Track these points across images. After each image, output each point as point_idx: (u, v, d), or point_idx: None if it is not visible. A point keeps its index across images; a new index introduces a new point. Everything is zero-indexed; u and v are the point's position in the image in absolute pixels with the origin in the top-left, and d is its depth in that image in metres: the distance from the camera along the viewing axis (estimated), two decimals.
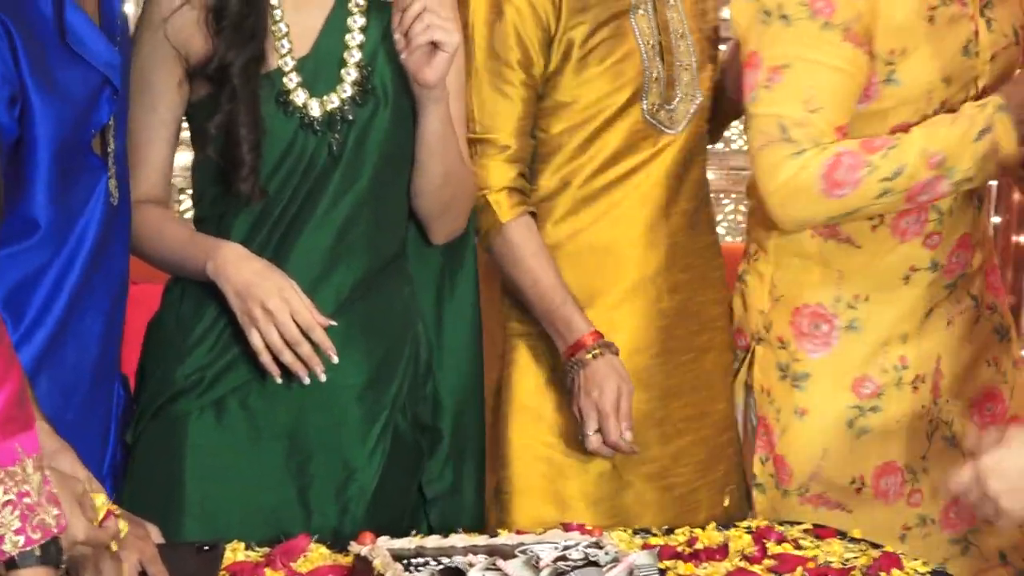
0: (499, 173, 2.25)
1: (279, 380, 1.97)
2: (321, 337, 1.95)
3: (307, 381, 1.96)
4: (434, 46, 1.89)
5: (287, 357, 1.94)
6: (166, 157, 2.11)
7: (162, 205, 2.13)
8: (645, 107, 2.30)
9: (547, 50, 2.26)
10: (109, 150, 1.97)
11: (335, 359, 1.96)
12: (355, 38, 2.08)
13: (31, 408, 1.43)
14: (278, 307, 1.92)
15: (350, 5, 2.10)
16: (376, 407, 2.09)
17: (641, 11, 2.30)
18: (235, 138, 2.00)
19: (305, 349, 1.94)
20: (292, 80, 2.05)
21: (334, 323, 1.98)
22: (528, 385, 2.37)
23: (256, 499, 2.07)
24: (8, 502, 1.24)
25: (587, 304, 2.31)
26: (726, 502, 2.37)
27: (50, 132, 1.84)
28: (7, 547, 1.28)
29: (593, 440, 2.19)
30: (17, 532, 1.28)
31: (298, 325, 1.94)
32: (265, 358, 1.95)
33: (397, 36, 1.93)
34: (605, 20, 2.27)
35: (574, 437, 2.32)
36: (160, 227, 2.08)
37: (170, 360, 2.06)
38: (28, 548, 1.30)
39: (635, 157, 2.31)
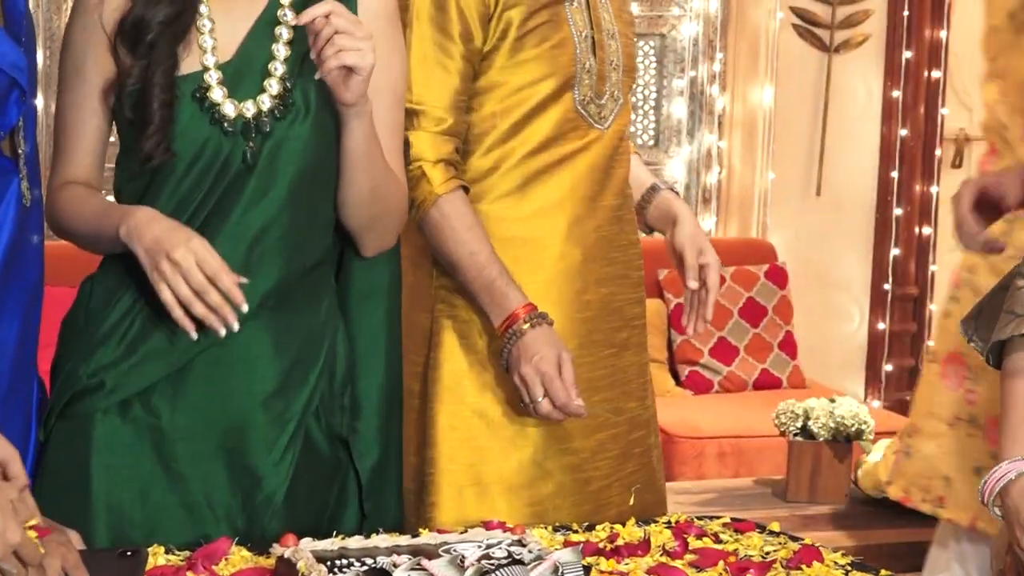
0: (434, 145, 2.24)
1: (194, 335, 1.94)
2: (228, 284, 1.93)
3: (222, 333, 1.94)
4: (349, 68, 1.91)
5: (198, 309, 1.92)
6: (98, 142, 2.08)
7: (91, 188, 2.13)
8: (577, 97, 2.31)
9: (486, 26, 2.26)
10: (20, 152, 1.94)
11: (245, 308, 1.93)
12: (280, 51, 2.07)
13: None
14: (184, 256, 1.90)
15: (279, 13, 2.09)
16: (284, 415, 2.09)
17: (575, 3, 2.33)
18: (147, 96, 1.98)
19: (214, 297, 1.92)
20: (212, 77, 2.04)
21: (244, 280, 1.93)
22: (454, 367, 2.36)
23: (164, 500, 2.06)
24: None
25: None
26: (631, 501, 2.37)
27: None
28: None
29: (544, 404, 2.20)
30: None
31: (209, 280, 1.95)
32: (177, 313, 1.93)
33: (313, 56, 1.91)
34: (542, 5, 2.29)
35: (497, 422, 2.33)
36: (81, 202, 2.06)
37: (76, 357, 2.04)
38: None
39: (564, 147, 2.31)
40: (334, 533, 1.91)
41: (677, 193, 2.54)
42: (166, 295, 1.92)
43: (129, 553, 1.79)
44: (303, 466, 2.07)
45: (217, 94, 2.03)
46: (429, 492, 2.33)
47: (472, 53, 2.26)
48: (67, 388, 2.03)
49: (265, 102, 2.04)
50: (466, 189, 2.27)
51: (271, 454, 2.06)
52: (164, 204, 2.02)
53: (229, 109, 2.03)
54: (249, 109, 2.04)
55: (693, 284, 2.42)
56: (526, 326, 2.20)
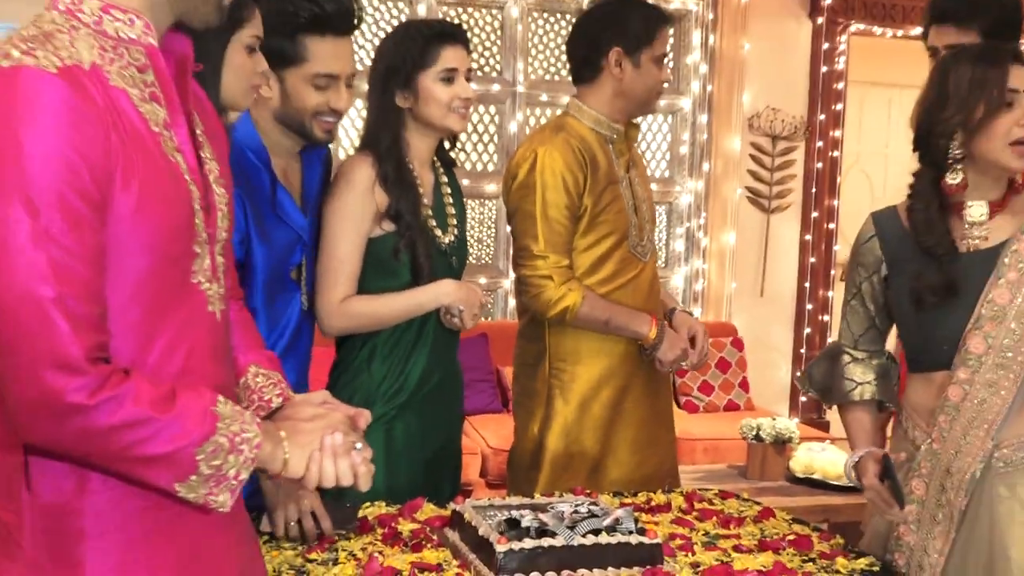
0: (559, 273, 2.35)
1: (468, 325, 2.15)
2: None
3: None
4: None
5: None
6: (359, 270, 2.16)
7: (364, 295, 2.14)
8: (630, 244, 2.49)
9: (580, 201, 2.41)
10: (301, 278, 2.08)
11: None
12: (448, 199, 2.29)
13: None
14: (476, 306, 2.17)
15: (441, 176, 2.31)
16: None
17: (624, 184, 2.48)
18: (415, 253, 2.15)
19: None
20: (432, 224, 2.23)
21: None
22: (563, 416, 2.54)
23: (416, 473, 2.23)
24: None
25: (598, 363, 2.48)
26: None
27: (262, 264, 1.98)
28: None
29: (686, 362, 2.45)
30: None
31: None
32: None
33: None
34: (605, 187, 2.43)
35: (588, 449, 2.51)
36: (373, 304, 2.18)
37: (361, 399, 2.20)
38: None
39: (626, 275, 2.48)
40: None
41: (685, 311, 2.65)
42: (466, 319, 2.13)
43: (348, 504, 1.86)
44: None
45: (438, 232, 2.24)
46: (525, 475, 2.50)
47: (573, 220, 2.40)
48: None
49: (454, 232, 2.26)
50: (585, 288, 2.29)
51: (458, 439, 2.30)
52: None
53: (444, 239, 2.25)
54: (451, 238, 2.27)
55: (691, 349, 2.55)
56: (661, 327, 2.39)
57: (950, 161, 1.86)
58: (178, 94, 1.22)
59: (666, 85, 2.48)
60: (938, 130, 1.85)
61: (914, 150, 1.91)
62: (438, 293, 2.16)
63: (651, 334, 2.42)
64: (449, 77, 2.16)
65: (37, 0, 1.27)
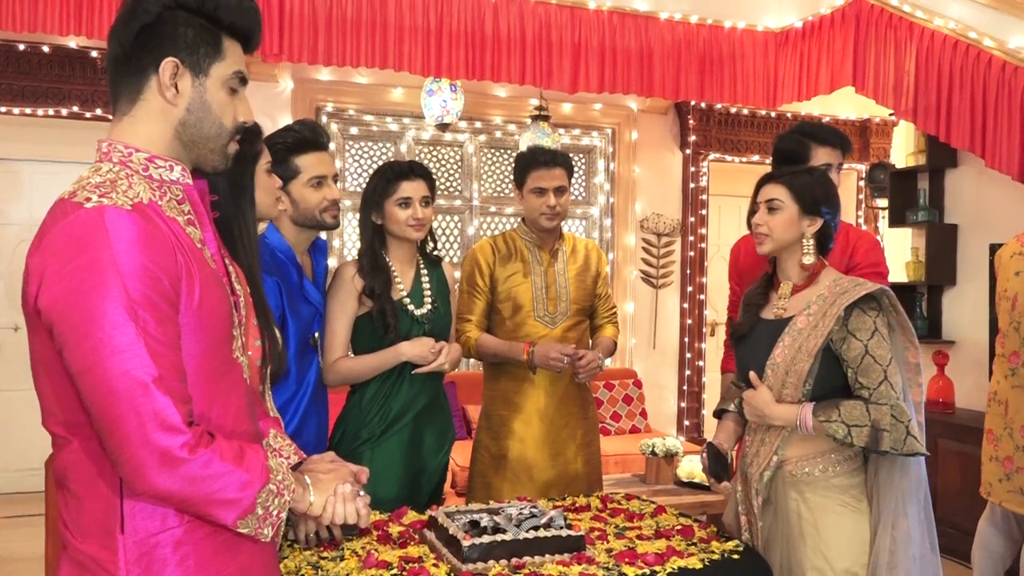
0: (470, 327, 2.45)
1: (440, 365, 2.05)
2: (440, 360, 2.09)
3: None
4: None
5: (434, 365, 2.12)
6: (349, 339, 2.19)
7: (349, 356, 2.16)
8: (535, 314, 2.53)
9: (490, 279, 2.49)
10: (318, 344, 2.09)
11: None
12: (426, 284, 2.29)
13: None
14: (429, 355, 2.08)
15: (421, 269, 2.30)
16: (445, 438, 2.24)
17: (536, 273, 2.52)
18: (385, 316, 2.17)
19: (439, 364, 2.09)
20: (406, 300, 2.21)
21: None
22: (481, 428, 2.56)
23: (399, 481, 2.19)
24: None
25: (514, 398, 2.47)
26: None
27: (293, 332, 1.98)
28: None
29: (565, 366, 2.35)
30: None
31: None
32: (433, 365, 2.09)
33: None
34: (513, 273, 2.50)
35: (497, 455, 2.50)
36: (356, 363, 2.18)
37: (353, 426, 2.20)
38: None
39: (534, 335, 2.53)
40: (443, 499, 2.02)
41: (600, 355, 2.51)
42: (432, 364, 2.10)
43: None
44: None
45: (411, 307, 2.21)
46: (470, 486, 2.51)
47: (485, 293, 2.48)
48: (353, 439, 2.17)
49: (428, 307, 2.24)
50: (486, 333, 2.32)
51: (437, 459, 2.21)
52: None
53: (417, 312, 2.22)
54: (423, 310, 2.25)
55: (581, 363, 2.48)
56: (532, 348, 2.39)
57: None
58: (206, 218, 1.20)
59: (548, 209, 2.54)
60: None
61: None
62: (397, 352, 2.18)
63: (524, 356, 2.43)
64: (406, 203, 2.22)
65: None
